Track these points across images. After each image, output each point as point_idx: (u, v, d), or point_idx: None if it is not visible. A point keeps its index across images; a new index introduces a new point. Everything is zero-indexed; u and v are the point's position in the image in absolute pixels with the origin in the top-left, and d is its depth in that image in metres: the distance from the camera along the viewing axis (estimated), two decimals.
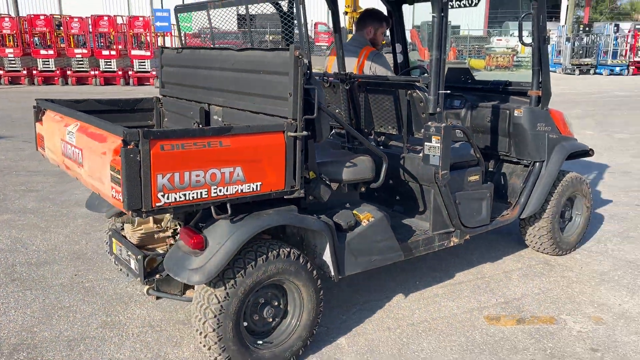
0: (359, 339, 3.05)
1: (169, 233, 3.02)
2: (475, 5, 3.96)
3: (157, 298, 2.99)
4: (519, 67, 27.10)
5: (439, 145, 3.13)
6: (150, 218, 3.03)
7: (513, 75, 22.02)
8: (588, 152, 4.26)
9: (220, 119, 3.15)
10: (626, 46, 26.88)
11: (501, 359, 2.87)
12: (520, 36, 3.88)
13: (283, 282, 2.71)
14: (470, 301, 3.50)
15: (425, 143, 3.15)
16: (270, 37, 7.48)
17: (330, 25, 4.36)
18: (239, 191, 2.42)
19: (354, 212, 3.00)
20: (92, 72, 17.22)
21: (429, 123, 3.12)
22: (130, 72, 17.43)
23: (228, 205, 2.42)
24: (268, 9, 3.13)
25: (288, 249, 2.66)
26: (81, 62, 17.43)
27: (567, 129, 4.14)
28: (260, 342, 2.72)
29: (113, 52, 17.33)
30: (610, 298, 3.57)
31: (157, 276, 2.84)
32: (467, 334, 3.11)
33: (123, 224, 3.21)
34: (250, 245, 2.56)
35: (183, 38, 3.84)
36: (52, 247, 4.29)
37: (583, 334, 3.13)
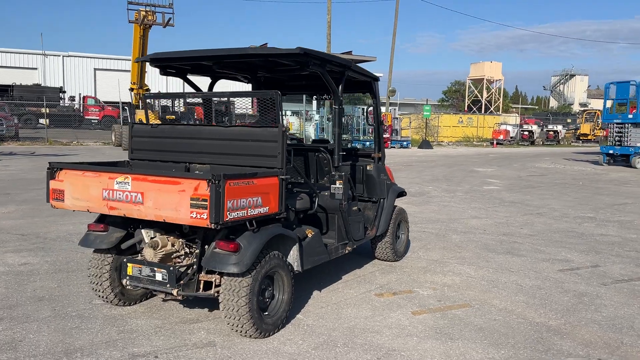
0: (308, 309, 4.62)
1: (182, 253, 4.23)
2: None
3: (183, 298, 4.14)
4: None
5: (341, 186, 5.03)
6: (169, 242, 4.21)
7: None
8: (404, 193, 6.61)
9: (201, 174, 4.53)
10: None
11: (391, 314, 4.75)
12: (366, 119, 6.09)
13: (274, 273, 4.18)
14: (360, 289, 5.34)
15: (332, 185, 5.00)
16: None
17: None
18: (259, 212, 3.91)
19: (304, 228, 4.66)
20: None
21: (333, 172, 5.00)
22: None
23: (254, 222, 3.88)
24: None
25: (277, 251, 4.18)
26: None
27: (393, 178, 6.44)
28: (265, 313, 4.12)
29: None
30: (434, 278, 5.79)
31: (181, 282, 4.05)
32: (369, 305, 4.93)
33: (135, 252, 4.29)
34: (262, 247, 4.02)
35: (148, 117, 5.07)
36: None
37: (430, 295, 5.21)
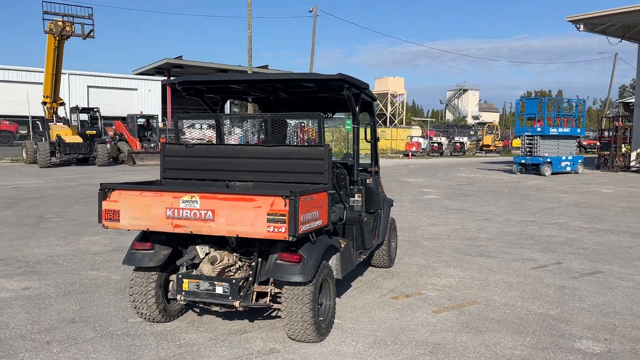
0: (341, 314, 4.98)
1: (237, 266, 4.45)
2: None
3: (243, 309, 4.34)
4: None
5: (360, 199, 5.46)
6: (226, 257, 4.40)
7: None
8: (393, 203, 7.15)
9: None
10: (296, 140, 33.80)
11: (416, 314, 5.23)
12: (365, 137, 6.57)
13: (324, 280, 4.51)
14: (374, 294, 5.77)
15: (351, 198, 5.43)
16: None
17: None
18: (317, 225, 4.25)
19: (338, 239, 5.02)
20: None
21: (352, 186, 5.42)
22: None
23: (313, 234, 4.21)
24: None
25: (325, 260, 4.52)
26: None
27: (384, 190, 6.96)
28: (320, 319, 4.43)
29: None
30: (432, 280, 6.35)
31: (241, 294, 4.27)
32: (391, 307, 5.37)
33: (189, 268, 4.44)
34: None
35: (179, 138, 5.20)
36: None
37: (439, 295, 5.75)
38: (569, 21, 22.42)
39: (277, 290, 4.36)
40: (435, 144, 46.98)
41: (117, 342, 4.33)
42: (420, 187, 17.67)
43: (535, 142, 21.22)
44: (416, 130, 53.93)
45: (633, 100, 43.48)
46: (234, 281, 4.24)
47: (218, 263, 4.37)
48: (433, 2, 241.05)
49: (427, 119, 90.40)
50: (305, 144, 5.61)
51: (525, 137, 21.75)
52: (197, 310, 5.06)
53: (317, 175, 4.57)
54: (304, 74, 4.97)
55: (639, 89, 27.04)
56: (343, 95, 5.34)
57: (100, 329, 4.63)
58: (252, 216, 3.90)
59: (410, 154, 43.38)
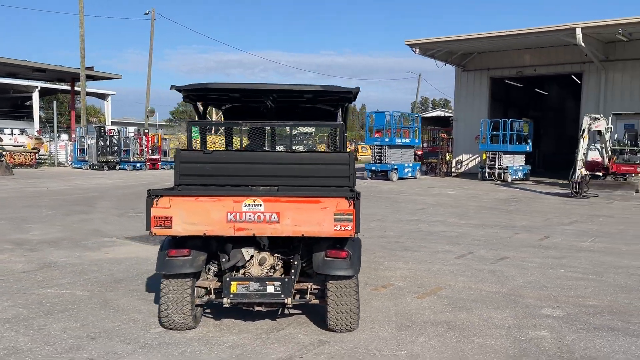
0: None
1: (278, 267, 4.67)
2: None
3: (293, 306, 4.56)
4: None
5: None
6: (269, 258, 4.59)
7: None
8: None
9: None
10: (140, 147, 32.26)
11: (405, 300, 5.91)
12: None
13: None
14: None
15: None
16: None
17: None
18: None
19: None
20: None
21: None
22: None
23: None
24: None
25: None
26: None
27: None
28: None
29: None
30: (388, 273, 7.09)
31: (293, 290, 4.53)
32: (382, 297, 5.98)
33: (238, 270, 4.53)
34: None
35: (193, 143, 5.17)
36: None
37: (409, 284, 6.51)
38: (408, 44, 25.35)
39: (315, 286, 4.69)
40: None
41: (167, 351, 4.27)
42: None
43: (384, 151, 23.53)
44: None
45: (432, 114, 49.99)
46: (286, 280, 4.47)
47: (265, 264, 4.56)
48: (247, 13, 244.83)
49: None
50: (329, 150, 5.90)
51: (375, 147, 23.98)
52: (209, 315, 5.11)
53: (342, 179, 5.00)
54: (331, 87, 5.28)
55: (456, 105, 31.46)
56: (327, 106, 5.82)
57: (132, 342, 4.47)
58: (319, 216, 4.22)
59: None
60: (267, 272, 4.63)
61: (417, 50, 25.26)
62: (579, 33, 20.79)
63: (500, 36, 24.42)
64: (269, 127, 5.96)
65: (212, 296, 4.68)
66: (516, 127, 25.40)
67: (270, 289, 4.47)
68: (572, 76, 29.06)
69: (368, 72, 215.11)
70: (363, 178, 24.72)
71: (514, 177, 24.69)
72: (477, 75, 29.20)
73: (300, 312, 5.21)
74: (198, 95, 5.37)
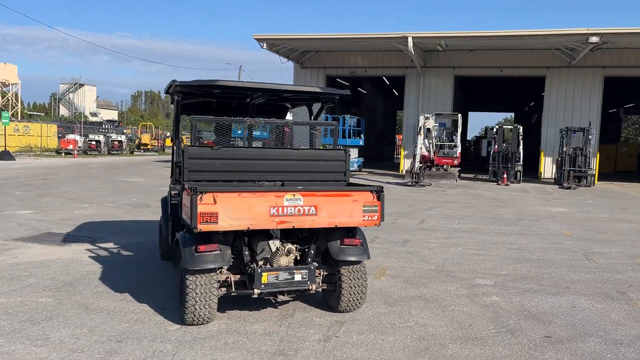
0: None
1: (298, 256, 5.00)
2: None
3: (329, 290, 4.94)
4: None
5: None
6: (294, 248, 4.89)
7: None
8: None
9: None
10: None
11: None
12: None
13: None
14: None
15: None
16: None
17: None
18: None
19: None
20: None
21: None
22: None
23: None
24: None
25: None
26: None
27: None
28: None
29: None
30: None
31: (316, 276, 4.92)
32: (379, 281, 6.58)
33: (267, 260, 4.75)
34: None
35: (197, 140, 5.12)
36: None
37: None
38: (255, 39, 25.79)
39: (325, 272, 5.14)
40: (93, 142, 44.86)
41: (210, 344, 4.37)
42: (144, 186, 17.78)
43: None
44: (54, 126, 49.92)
45: None
46: (311, 267, 4.85)
47: (291, 255, 4.87)
48: None
49: (33, 113, 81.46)
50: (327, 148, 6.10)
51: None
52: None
53: (339, 174, 5.50)
54: (330, 90, 5.63)
55: None
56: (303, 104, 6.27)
57: (164, 340, 4.45)
58: (350, 208, 4.70)
59: (64, 152, 40.34)
60: (291, 262, 4.94)
61: (265, 45, 25.86)
62: (410, 41, 23.51)
63: (339, 38, 26.34)
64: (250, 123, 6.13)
65: (233, 289, 4.82)
66: (352, 122, 27.68)
67: (297, 277, 4.80)
68: (384, 78, 32.68)
69: (175, 60, 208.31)
70: None
71: (351, 168, 27.01)
72: (314, 73, 30.91)
73: (288, 299, 5.57)
74: (189, 92, 5.36)
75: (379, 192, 4.82)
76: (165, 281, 6.22)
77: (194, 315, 4.63)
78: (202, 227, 4.31)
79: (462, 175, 25.14)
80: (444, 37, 24.31)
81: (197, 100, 6.14)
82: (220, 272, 4.80)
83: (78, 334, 4.50)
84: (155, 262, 7.15)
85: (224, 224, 4.37)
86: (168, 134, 67.58)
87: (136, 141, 52.27)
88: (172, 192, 5.85)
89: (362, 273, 5.14)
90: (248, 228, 4.47)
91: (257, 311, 5.22)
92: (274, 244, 4.89)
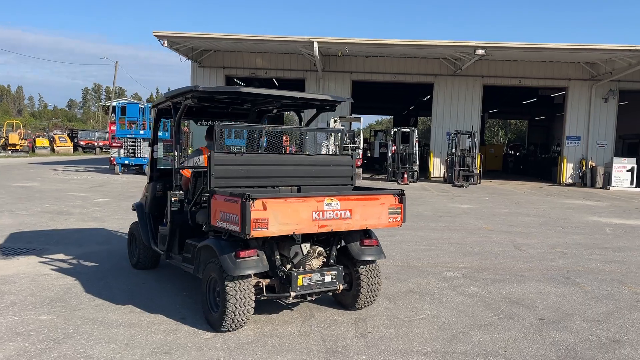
0: None
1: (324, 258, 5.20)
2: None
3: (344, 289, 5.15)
4: None
5: None
6: (323, 251, 5.07)
7: None
8: None
9: None
10: None
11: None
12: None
13: None
14: None
15: None
16: None
17: None
18: None
19: None
20: None
21: None
22: None
23: None
24: None
25: None
26: None
27: None
28: None
29: None
30: None
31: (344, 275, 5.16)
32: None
33: (299, 265, 4.88)
34: None
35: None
36: None
37: None
38: (155, 36, 24.74)
39: (343, 272, 5.39)
40: None
41: (259, 349, 4.44)
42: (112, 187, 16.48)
43: (139, 144, 22.70)
44: None
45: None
46: (340, 268, 5.07)
47: (320, 257, 5.06)
48: None
49: None
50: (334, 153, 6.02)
51: (128, 140, 22.88)
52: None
53: (346, 179, 5.76)
54: (334, 97, 5.80)
55: None
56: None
57: (211, 347, 4.42)
58: (378, 211, 5.01)
59: None
60: (320, 264, 5.11)
61: (166, 42, 24.90)
62: (316, 46, 24.13)
63: (245, 39, 26.23)
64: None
65: (264, 293, 4.90)
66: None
67: (327, 278, 5.00)
68: (284, 80, 33.25)
69: (35, 51, 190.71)
70: (114, 172, 23.29)
71: None
72: (213, 72, 30.40)
73: (296, 302, 5.71)
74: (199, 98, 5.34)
75: (401, 195, 5.18)
76: (160, 291, 6.04)
77: (233, 322, 4.64)
78: (255, 233, 4.36)
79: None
80: (347, 43, 25.27)
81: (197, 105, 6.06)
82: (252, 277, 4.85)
83: (116, 349, 4.32)
84: (130, 272, 6.86)
85: (274, 229, 4.46)
86: (38, 133, 62.15)
87: (1, 141, 47.29)
88: (173, 199, 5.71)
89: (378, 272, 5.47)
90: (294, 232, 4.59)
91: (275, 314, 5.33)
92: (305, 248, 5.04)
